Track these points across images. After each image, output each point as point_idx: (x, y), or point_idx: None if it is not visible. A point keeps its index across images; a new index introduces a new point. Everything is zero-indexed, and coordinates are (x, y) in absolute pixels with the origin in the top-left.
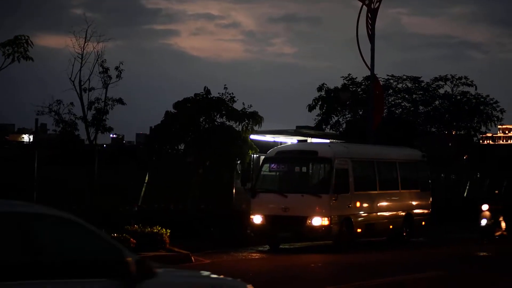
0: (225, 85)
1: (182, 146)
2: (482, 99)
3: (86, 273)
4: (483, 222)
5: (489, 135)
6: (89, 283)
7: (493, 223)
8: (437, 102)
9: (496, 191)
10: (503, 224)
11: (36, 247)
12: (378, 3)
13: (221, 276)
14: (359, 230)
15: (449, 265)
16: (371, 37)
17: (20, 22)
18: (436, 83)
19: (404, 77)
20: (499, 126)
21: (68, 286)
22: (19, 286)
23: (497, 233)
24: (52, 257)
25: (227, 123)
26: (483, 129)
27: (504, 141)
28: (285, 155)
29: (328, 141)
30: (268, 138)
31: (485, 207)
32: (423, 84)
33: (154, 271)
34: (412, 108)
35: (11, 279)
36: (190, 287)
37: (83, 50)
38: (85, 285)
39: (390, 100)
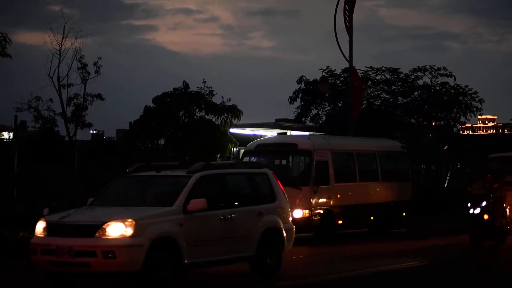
0: (204, 79)
1: (162, 141)
2: (461, 90)
3: None
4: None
5: (469, 125)
6: None
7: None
8: (416, 93)
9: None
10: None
11: None
12: None
13: None
14: (340, 222)
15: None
16: (349, 29)
17: None
18: (415, 74)
19: (383, 68)
20: (479, 117)
21: None
22: None
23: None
24: None
25: (206, 117)
26: (462, 119)
27: (484, 131)
28: (265, 148)
29: (307, 133)
30: (248, 131)
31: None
32: (402, 75)
33: None
34: (391, 100)
35: None
36: None
37: (61, 46)
38: None
39: (369, 92)
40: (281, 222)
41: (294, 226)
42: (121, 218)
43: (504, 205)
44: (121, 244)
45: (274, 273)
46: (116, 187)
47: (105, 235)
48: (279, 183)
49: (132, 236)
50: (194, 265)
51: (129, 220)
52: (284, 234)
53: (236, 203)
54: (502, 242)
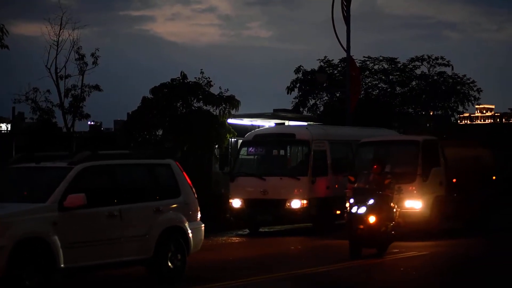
0: (202, 69)
1: (160, 132)
2: (459, 79)
3: None
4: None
5: (467, 115)
6: None
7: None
8: (414, 83)
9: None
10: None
11: None
12: None
13: None
14: (338, 212)
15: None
16: (347, 18)
17: None
18: (412, 64)
19: (381, 58)
20: (477, 106)
21: None
22: None
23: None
24: None
25: (204, 107)
26: (460, 109)
27: (482, 120)
28: (262, 139)
29: (305, 123)
30: (246, 121)
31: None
32: (399, 65)
33: None
34: (389, 89)
35: None
36: None
37: (59, 37)
38: None
39: (367, 81)
40: (185, 220)
41: (203, 224)
42: None
43: (392, 204)
44: None
45: (177, 278)
46: None
47: None
48: (186, 176)
49: None
50: (74, 270)
51: None
52: (190, 234)
53: (129, 199)
54: (384, 250)
